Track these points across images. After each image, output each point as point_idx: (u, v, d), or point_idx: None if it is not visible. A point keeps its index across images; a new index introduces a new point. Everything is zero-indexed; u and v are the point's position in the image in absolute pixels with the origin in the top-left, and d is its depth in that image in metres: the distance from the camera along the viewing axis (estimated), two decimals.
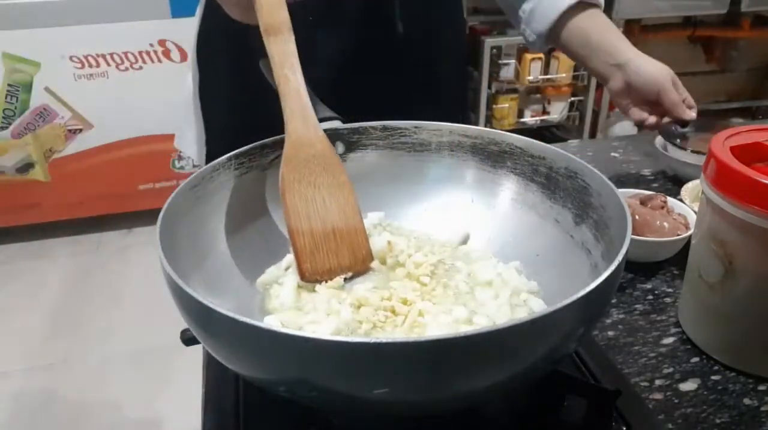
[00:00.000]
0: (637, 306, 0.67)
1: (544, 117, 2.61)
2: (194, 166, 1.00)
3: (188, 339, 0.54)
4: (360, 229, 0.57)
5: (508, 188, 0.63)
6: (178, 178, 2.22)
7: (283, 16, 0.54)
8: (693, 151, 0.88)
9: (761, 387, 0.57)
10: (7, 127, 2.05)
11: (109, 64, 2.03)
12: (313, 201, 0.56)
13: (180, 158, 2.21)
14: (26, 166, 2.12)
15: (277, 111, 0.55)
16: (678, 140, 0.90)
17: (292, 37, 0.54)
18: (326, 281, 0.55)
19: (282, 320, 0.52)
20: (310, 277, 0.55)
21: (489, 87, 2.46)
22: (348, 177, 0.58)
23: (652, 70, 0.76)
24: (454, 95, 0.93)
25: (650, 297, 0.68)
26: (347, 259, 0.56)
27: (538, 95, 2.61)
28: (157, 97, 2.09)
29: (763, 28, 2.69)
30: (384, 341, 0.36)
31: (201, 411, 0.52)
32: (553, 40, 0.82)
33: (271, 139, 0.62)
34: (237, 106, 0.85)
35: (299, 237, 0.55)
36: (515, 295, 0.54)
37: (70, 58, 1.99)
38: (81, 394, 1.66)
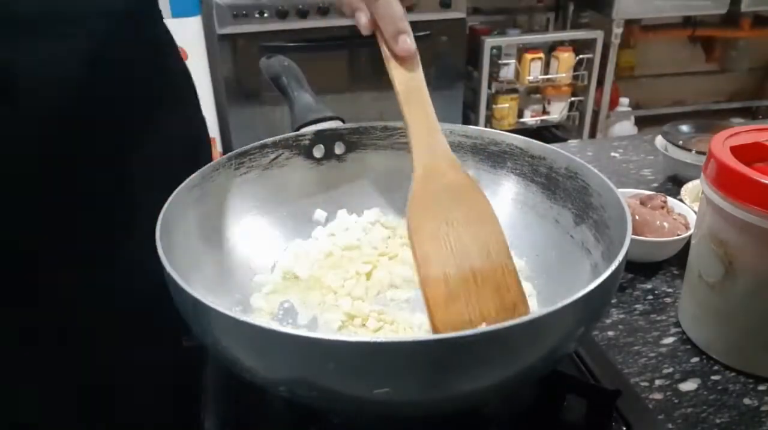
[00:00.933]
0: (637, 306, 0.67)
1: (544, 117, 2.62)
2: None
3: (188, 339, 0.54)
4: (508, 267, 0.49)
5: (508, 189, 0.63)
6: None
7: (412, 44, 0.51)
8: (695, 152, 0.87)
9: (761, 387, 0.57)
10: None
11: None
12: (446, 242, 0.49)
13: None
14: None
15: None
16: (679, 140, 0.90)
17: (420, 65, 0.52)
18: None
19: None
20: (443, 330, 0.46)
21: (489, 87, 2.47)
22: (490, 205, 0.51)
23: None
24: None
25: (650, 297, 0.68)
26: (491, 305, 0.47)
27: (538, 95, 2.61)
28: None
29: (763, 28, 2.70)
30: (384, 340, 0.36)
31: (201, 411, 0.52)
32: None
33: (271, 139, 0.62)
34: None
35: (431, 288, 0.47)
36: None
37: None
38: None
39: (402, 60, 0.51)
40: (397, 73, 0.52)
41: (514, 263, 0.50)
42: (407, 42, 0.51)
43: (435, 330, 0.47)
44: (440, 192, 0.50)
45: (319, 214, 0.64)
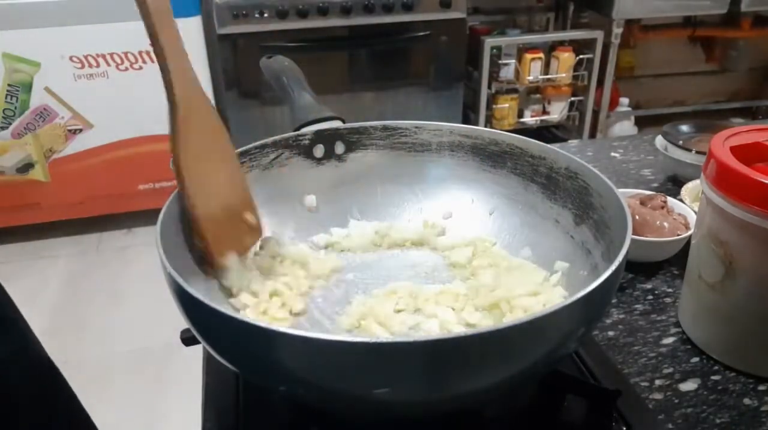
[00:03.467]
0: (637, 306, 0.67)
1: (544, 117, 2.61)
2: None
3: (188, 339, 0.54)
4: (247, 196, 0.56)
5: (509, 189, 0.63)
6: None
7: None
8: (695, 152, 0.87)
9: (761, 387, 0.57)
10: (7, 127, 2.05)
11: (109, 64, 2.03)
12: (207, 178, 0.53)
13: None
14: (26, 166, 2.12)
15: None
16: (679, 141, 0.90)
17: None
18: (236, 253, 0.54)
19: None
20: (218, 265, 0.53)
21: (489, 87, 2.46)
22: (225, 132, 0.54)
23: None
24: None
25: (650, 297, 0.68)
26: (245, 231, 0.56)
27: (538, 95, 2.61)
28: (157, 97, 2.06)
29: (763, 28, 2.70)
30: (384, 340, 0.36)
31: (201, 411, 0.52)
32: None
33: (271, 139, 0.62)
34: None
35: (205, 223, 0.52)
36: None
37: (70, 58, 1.99)
38: (81, 394, 1.65)
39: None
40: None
41: (249, 192, 0.56)
42: None
43: (211, 264, 0.52)
44: (198, 126, 0.52)
45: (309, 199, 0.65)
